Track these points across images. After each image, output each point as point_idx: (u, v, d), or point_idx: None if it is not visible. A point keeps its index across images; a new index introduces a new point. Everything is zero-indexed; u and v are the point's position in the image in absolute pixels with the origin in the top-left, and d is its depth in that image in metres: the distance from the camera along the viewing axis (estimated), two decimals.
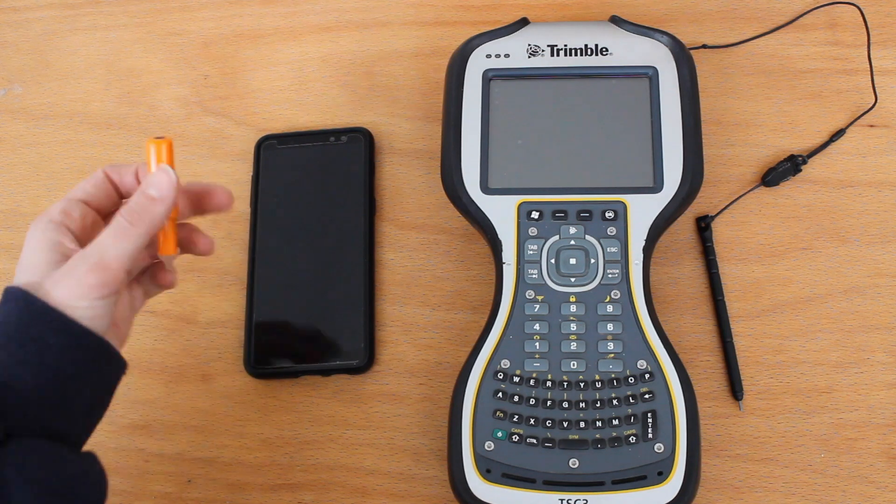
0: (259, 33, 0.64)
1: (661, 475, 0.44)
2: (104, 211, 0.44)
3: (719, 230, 0.55)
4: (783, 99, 0.58)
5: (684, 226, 0.55)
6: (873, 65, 0.58)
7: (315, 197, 0.57)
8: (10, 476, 0.33)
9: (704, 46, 0.59)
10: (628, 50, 0.53)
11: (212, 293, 0.56)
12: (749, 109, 0.58)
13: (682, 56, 0.53)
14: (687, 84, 0.52)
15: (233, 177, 0.59)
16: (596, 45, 0.53)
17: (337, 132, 0.58)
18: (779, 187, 0.56)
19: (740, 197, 0.55)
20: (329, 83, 0.62)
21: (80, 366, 0.37)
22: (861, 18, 0.59)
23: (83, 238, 0.41)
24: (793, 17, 0.60)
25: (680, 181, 0.50)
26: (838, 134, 0.57)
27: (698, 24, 0.60)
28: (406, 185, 0.58)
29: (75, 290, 0.37)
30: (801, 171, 0.55)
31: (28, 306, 0.36)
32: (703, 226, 0.54)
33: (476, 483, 0.45)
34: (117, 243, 0.38)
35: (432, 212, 0.57)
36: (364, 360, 0.51)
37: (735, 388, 0.50)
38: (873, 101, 0.57)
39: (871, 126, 0.57)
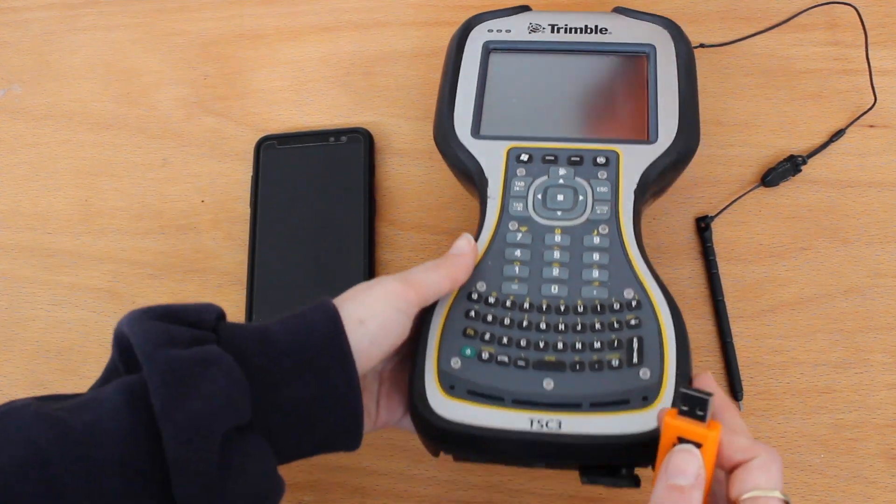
0: (259, 33, 0.64)
1: (647, 400, 0.40)
2: None
3: (719, 230, 0.54)
4: (783, 99, 0.58)
5: (684, 226, 0.55)
6: (872, 65, 0.58)
7: (315, 197, 0.57)
8: (237, 464, 0.34)
9: (702, 46, 0.59)
10: (627, 31, 0.53)
11: (212, 294, 0.56)
12: (749, 109, 0.58)
13: (681, 37, 0.53)
14: (684, 60, 0.52)
15: (233, 177, 0.59)
16: (596, 26, 0.54)
17: (337, 132, 0.58)
18: (779, 187, 0.56)
19: (740, 197, 0.55)
20: (329, 83, 0.62)
21: (331, 416, 0.37)
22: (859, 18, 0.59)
23: None
24: (791, 16, 0.60)
25: (675, 136, 0.49)
26: (838, 134, 0.57)
27: (697, 24, 0.60)
28: (406, 185, 0.58)
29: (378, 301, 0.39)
30: (800, 171, 0.55)
31: (333, 337, 0.37)
32: (703, 226, 0.54)
33: (437, 398, 0.41)
34: None
35: (432, 212, 0.57)
36: None
37: (735, 389, 0.50)
38: (873, 101, 0.57)
39: (871, 126, 0.57)
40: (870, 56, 0.58)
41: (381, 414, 0.44)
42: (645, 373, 0.40)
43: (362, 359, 0.38)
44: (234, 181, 0.59)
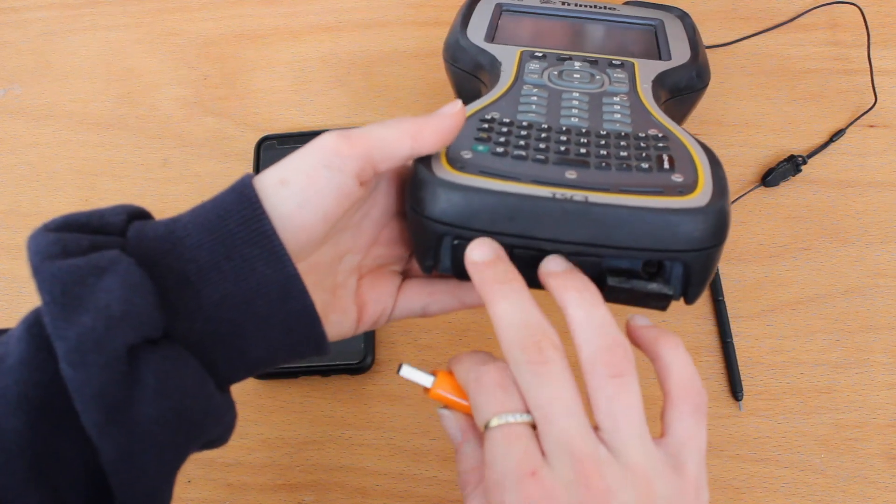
0: (259, 33, 0.64)
1: (682, 193, 0.33)
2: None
3: None
4: (783, 99, 0.58)
5: None
6: (873, 65, 0.58)
7: None
8: (150, 383, 0.28)
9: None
10: (635, 10, 0.55)
11: None
12: (749, 109, 0.58)
13: (688, 19, 0.54)
14: (691, 30, 0.53)
15: (233, 177, 0.59)
16: (605, 6, 0.55)
17: None
18: (779, 187, 0.56)
19: (740, 197, 0.55)
20: (329, 83, 0.62)
21: (273, 311, 0.31)
22: (861, 18, 0.59)
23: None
24: (792, 16, 0.60)
25: (688, 59, 0.49)
26: (838, 134, 0.57)
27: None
28: None
29: (304, 158, 0.32)
30: (801, 171, 0.55)
31: (250, 221, 0.31)
32: None
33: (443, 171, 0.34)
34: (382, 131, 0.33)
35: None
36: (364, 360, 0.51)
37: (735, 389, 0.50)
38: (873, 101, 0.57)
39: (871, 126, 0.57)
40: (871, 56, 0.58)
41: (369, 308, 0.38)
42: (678, 177, 0.34)
43: (294, 226, 0.31)
44: (234, 181, 0.59)
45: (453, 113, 0.34)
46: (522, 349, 0.29)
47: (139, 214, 0.33)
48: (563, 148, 0.36)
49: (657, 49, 0.51)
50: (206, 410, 0.31)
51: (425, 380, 0.33)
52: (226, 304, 0.30)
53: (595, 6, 0.55)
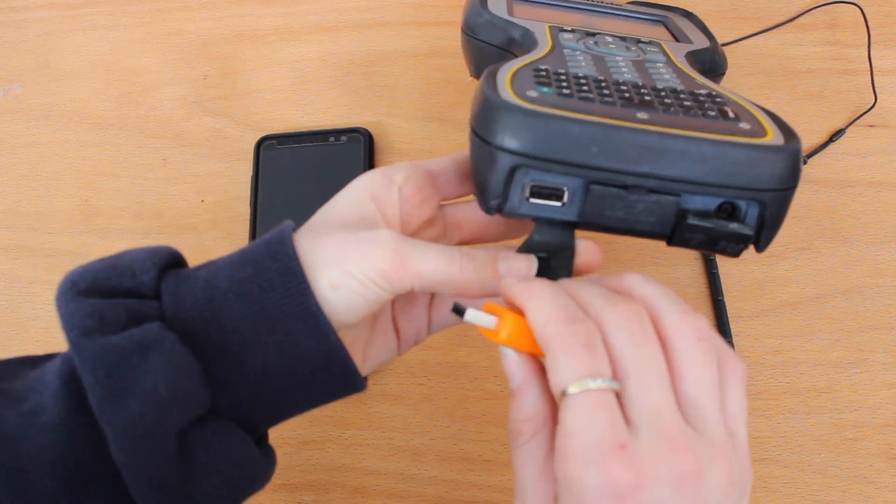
0: (259, 33, 0.64)
1: (756, 136, 0.32)
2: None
3: None
4: (783, 99, 0.58)
5: None
6: (873, 65, 0.58)
7: (315, 197, 0.56)
8: (202, 461, 0.29)
9: None
10: (641, 9, 0.56)
11: None
12: None
13: (694, 16, 0.55)
14: (701, 25, 0.53)
15: (233, 177, 0.59)
16: (612, 4, 0.56)
17: (337, 132, 0.58)
18: None
19: None
20: (329, 83, 0.62)
21: (316, 377, 0.32)
22: (861, 18, 0.59)
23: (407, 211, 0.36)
24: (792, 16, 0.60)
25: (709, 43, 0.49)
26: (838, 134, 0.57)
27: None
28: None
29: (359, 262, 0.31)
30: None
31: (294, 296, 0.31)
32: None
33: (512, 99, 0.32)
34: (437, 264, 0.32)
35: None
36: None
37: None
38: (873, 101, 0.57)
39: (871, 126, 0.57)
40: (871, 56, 0.58)
41: (404, 329, 0.38)
42: (745, 125, 0.33)
43: (337, 320, 0.32)
44: (234, 181, 0.59)
45: (523, 276, 0.32)
46: (622, 312, 0.28)
47: (169, 262, 0.32)
48: (626, 95, 0.34)
49: (675, 37, 0.51)
50: (252, 475, 0.32)
51: (491, 322, 0.30)
52: (268, 373, 0.31)
53: (602, 3, 0.56)
